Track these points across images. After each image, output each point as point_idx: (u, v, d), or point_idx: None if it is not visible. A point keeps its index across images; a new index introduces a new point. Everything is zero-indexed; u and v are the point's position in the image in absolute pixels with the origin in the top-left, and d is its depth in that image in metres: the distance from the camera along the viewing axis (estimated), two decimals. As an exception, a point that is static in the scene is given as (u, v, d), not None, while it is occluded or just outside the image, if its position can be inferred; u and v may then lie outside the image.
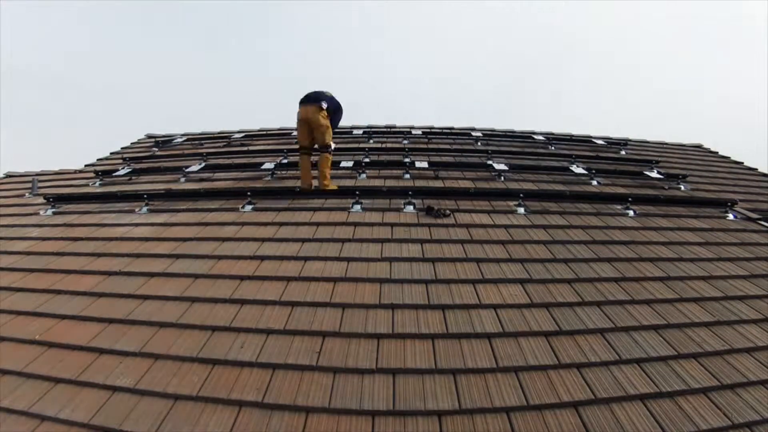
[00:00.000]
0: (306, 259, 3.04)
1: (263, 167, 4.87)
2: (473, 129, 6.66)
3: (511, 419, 1.88)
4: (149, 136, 6.76)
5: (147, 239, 3.48)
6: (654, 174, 4.93)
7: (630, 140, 6.48)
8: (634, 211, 3.91)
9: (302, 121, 4.21)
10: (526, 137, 6.42)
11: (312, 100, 4.19)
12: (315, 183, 4.22)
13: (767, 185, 5.36)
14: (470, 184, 4.39)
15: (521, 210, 3.82)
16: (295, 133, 6.42)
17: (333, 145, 4.27)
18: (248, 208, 3.95)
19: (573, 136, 6.53)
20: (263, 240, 3.33)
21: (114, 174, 5.12)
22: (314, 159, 4.29)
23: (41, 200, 4.44)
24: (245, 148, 5.95)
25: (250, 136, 6.60)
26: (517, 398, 1.97)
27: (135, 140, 6.78)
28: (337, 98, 4.31)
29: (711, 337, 2.41)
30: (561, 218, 3.71)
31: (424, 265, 2.94)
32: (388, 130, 6.56)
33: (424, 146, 5.80)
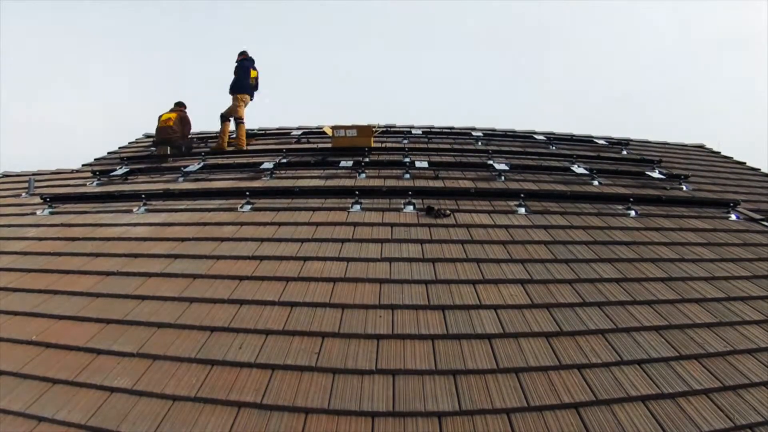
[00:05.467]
0: (305, 259, 3.03)
1: (262, 167, 4.85)
2: (473, 129, 6.65)
3: (511, 420, 1.87)
4: (147, 136, 6.73)
5: (145, 239, 3.47)
6: (656, 174, 4.91)
7: (631, 140, 6.46)
8: (636, 212, 3.90)
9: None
10: (526, 137, 6.40)
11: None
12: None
13: (769, 186, 5.34)
14: (471, 184, 4.37)
15: (522, 210, 3.81)
16: (294, 132, 6.47)
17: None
18: (247, 207, 3.93)
19: (574, 136, 6.51)
20: (262, 240, 3.32)
21: (111, 174, 5.10)
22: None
23: (38, 200, 4.43)
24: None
25: (250, 135, 6.58)
26: (517, 399, 1.95)
27: (133, 140, 6.76)
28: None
29: (713, 338, 2.40)
30: (562, 218, 3.69)
31: (424, 265, 2.93)
32: (388, 129, 6.54)
33: (424, 146, 5.79)
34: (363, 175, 4.59)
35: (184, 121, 5.96)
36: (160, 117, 5.90)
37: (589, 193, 4.29)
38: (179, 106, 6.11)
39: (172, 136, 5.74)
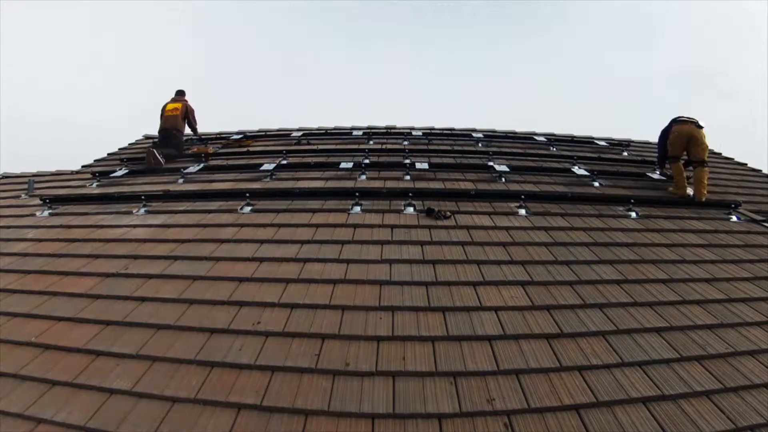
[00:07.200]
0: (305, 260, 3.02)
1: (262, 168, 4.85)
2: (474, 130, 6.65)
3: (512, 422, 1.86)
4: (147, 137, 6.73)
5: (145, 241, 3.46)
6: (657, 175, 4.91)
7: (633, 141, 6.47)
8: (637, 213, 3.90)
9: (684, 137, 4.48)
10: (527, 138, 6.40)
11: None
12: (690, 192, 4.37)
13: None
14: (471, 185, 4.37)
15: (522, 211, 3.80)
16: (294, 134, 6.45)
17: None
18: (247, 209, 3.93)
19: (575, 137, 6.51)
20: (262, 241, 3.31)
21: (111, 175, 5.10)
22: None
23: (38, 201, 4.43)
24: (244, 149, 5.93)
25: (250, 136, 6.58)
26: (518, 401, 1.95)
27: (133, 141, 6.76)
28: None
29: (714, 339, 2.39)
30: (562, 220, 3.69)
31: (425, 267, 2.92)
32: (388, 131, 6.54)
33: (425, 147, 5.79)
34: (363, 177, 4.59)
35: (188, 111, 6.04)
36: (164, 107, 5.96)
37: (590, 194, 4.28)
38: (180, 95, 6.14)
39: (174, 133, 5.79)
